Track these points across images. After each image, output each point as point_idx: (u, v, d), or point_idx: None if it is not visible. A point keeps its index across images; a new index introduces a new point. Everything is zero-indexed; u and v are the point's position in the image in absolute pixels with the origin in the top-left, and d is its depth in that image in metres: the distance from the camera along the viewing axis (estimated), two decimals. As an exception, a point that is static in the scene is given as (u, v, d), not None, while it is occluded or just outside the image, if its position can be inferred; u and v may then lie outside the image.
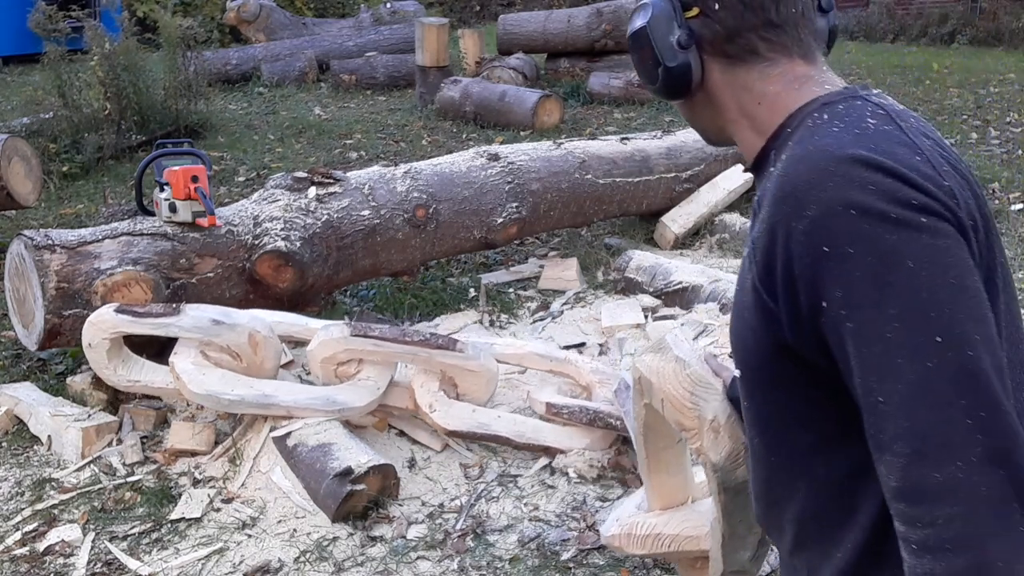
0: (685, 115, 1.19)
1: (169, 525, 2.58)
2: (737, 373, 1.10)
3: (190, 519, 2.59)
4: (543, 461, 2.82)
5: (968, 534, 0.82)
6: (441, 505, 2.66)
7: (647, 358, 1.48)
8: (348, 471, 2.54)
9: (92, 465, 2.88)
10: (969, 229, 0.90)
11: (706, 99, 1.11)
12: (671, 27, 1.07)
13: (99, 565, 2.44)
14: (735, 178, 4.97)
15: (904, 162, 0.90)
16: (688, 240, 4.84)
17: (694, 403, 1.37)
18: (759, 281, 0.96)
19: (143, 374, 2.94)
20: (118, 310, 2.87)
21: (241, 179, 6.39)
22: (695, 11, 1.06)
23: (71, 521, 2.62)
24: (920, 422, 0.84)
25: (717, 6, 1.04)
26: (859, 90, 1.03)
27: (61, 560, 2.46)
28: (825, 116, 0.98)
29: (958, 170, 0.96)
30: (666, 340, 1.45)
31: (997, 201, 5.60)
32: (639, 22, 1.09)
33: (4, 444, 3.04)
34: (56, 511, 2.67)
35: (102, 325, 2.86)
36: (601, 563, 2.37)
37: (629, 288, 4.15)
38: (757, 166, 1.09)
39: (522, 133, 7.51)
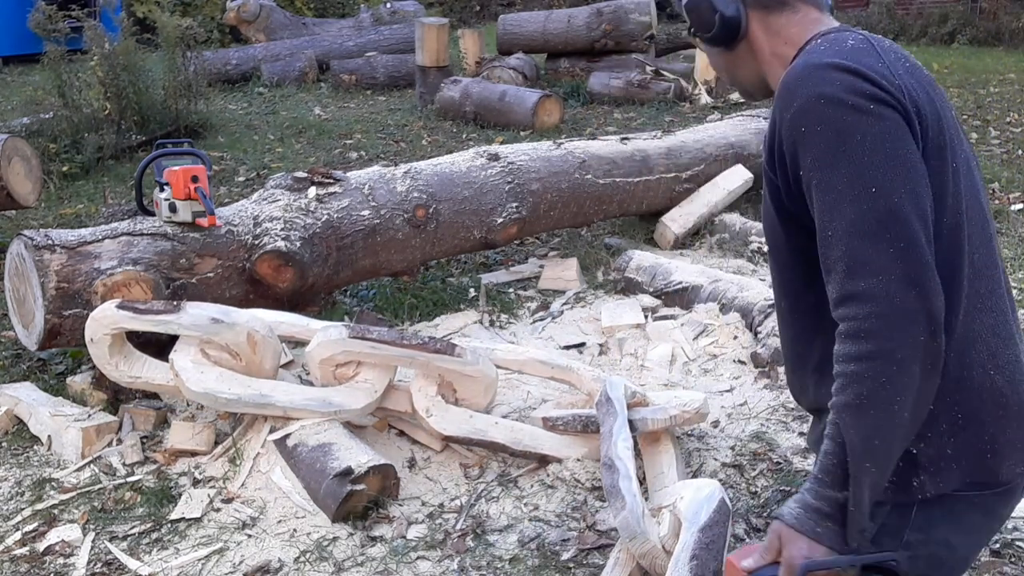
0: (727, 69, 1.42)
1: (169, 525, 2.58)
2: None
3: (190, 519, 2.59)
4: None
5: (880, 327, 1.09)
6: (441, 505, 2.66)
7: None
8: (348, 471, 2.54)
9: (92, 465, 2.88)
10: (914, 116, 1.16)
11: (747, 48, 1.36)
12: None
13: (99, 565, 2.44)
14: (735, 178, 4.97)
15: (866, 64, 1.18)
16: (688, 240, 4.84)
17: None
18: (766, 162, 1.27)
19: (144, 370, 2.94)
20: (120, 306, 2.87)
21: (241, 179, 6.39)
22: None
23: (71, 521, 2.62)
24: (854, 248, 1.12)
25: None
26: (851, 27, 1.29)
27: (61, 560, 2.46)
28: (818, 42, 1.26)
29: (918, 79, 1.22)
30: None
31: (997, 201, 5.60)
32: None
33: (4, 444, 3.04)
34: (56, 511, 2.67)
35: (104, 321, 2.87)
36: (601, 563, 2.37)
37: (629, 288, 4.15)
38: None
39: (522, 133, 7.51)
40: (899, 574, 1.16)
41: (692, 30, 1.40)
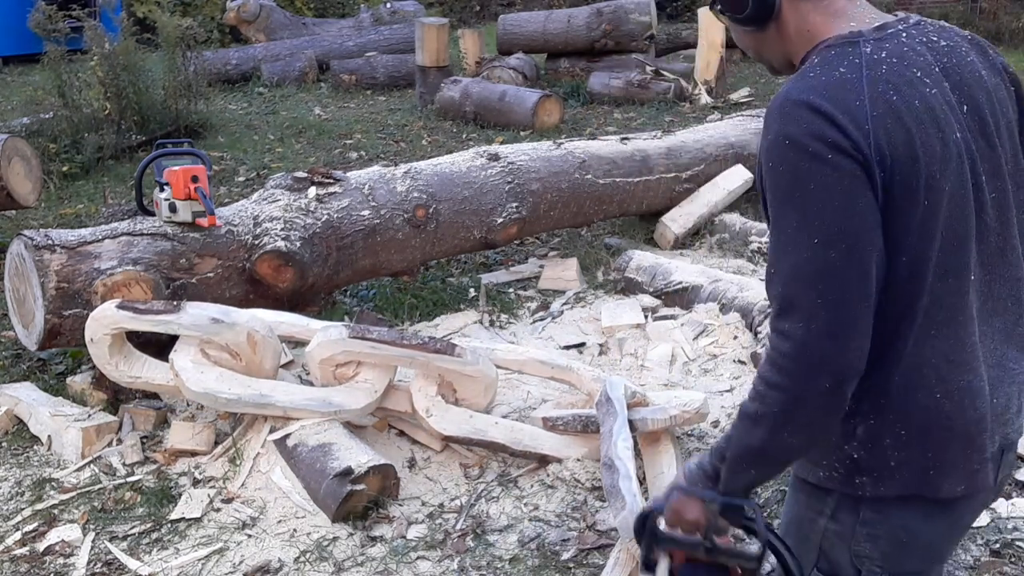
0: (754, 48, 1.43)
1: (169, 525, 2.58)
2: None
3: (190, 519, 2.59)
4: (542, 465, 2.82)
5: (792, 368, 1.18)
6: (441, 505, 2.66)
7: None
8: (348, 471, 2.54)
9: (92, 465, 2.88)
10: (875, 164, 1.17)
11: (776, 29, 1.36)
12: None
13: (99, 565, 2.44)
14: (735, 178, 4.97)
15: (840, 104, 1.18)
16: (688, 240, 4.84)
17: None
18: (758, 171, 1.31)
19: (144, 370, 2.94)
20: (120, 306, 2.88)
21: (241, 179, 6.39)
22: None
23: (71, 521, 2.62)
24: (789, 290, 1.19)
25: None
26: (866, 35, 1.26)
27: (61, 560, 2.46)
28: (815, 60, 1.27)
29: (918, 109, 1.21)
30: None
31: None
32: None
33: (4, 444, 3.04)
34: (56, 511, 2.67)
35: (104, 320, 2.87)
36: (601, 563, 2.37)
37: (629, 288, 4.15)
38: None
39: (522, 133, 7.51)
40: (757, 531, 1.28)
41: (721, 8, 1.39)
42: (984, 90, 1.29)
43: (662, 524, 1.35)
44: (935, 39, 1.30)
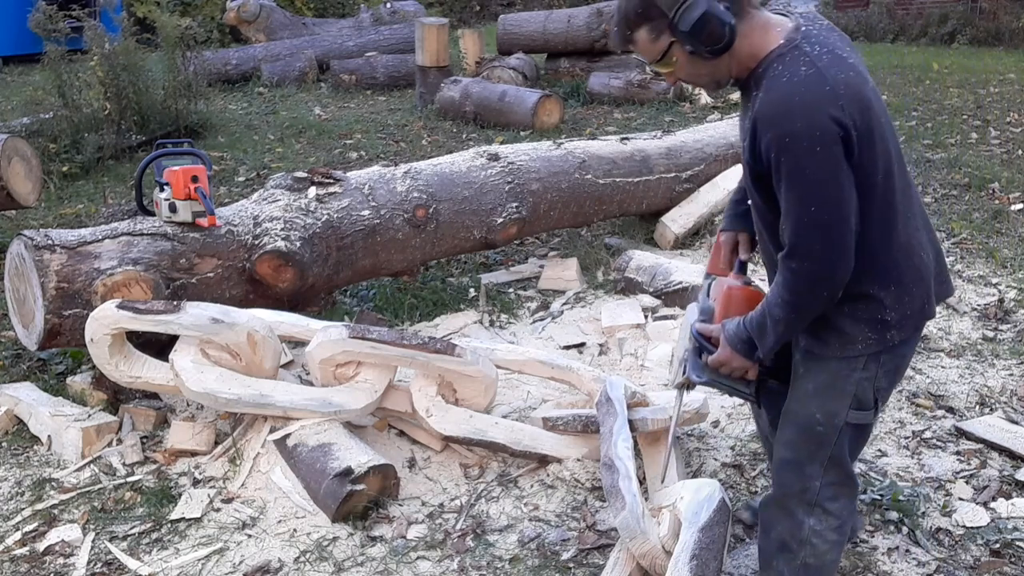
0: (709, 73, 1.80)
1: (169, 525, 2.58)
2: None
3: (190, 519, 2.59)
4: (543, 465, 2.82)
5: (804, 285, 1.73)
6: (441, 505, 2.66)
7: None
8: (348, 471, 2.54)
9: (92, 465, 2.88)
10: (852, 132, 1.64)
11: (730, 53, 1.75)
12: (717, 3, 1.70)
13: (99, 565, 2.44)
14: (735, 178, 4.97)
15: (821, 102, 1.63)
16: (688, 240, 4.84)
17: None
18: (750, 152, 1.75)
19: (144, 370, 2.94)
20: (120, 306, 2.88)
21: (241, 179, 6.39)
22: None
23: (71, 521, 2.62)
24: (799, 233, 1.70)
25: None
26: (797, 39, 1.71)
27: (61, 560, 2.46)
28: (780, 68, 1.69)
29: (853, 78, 1.68)
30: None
31: (997, 201, 5.60)
32: (699, 10, 1.68)
33: (4, 444, 3.04)
34: (56, 511, 2.67)
35: (104, 320, 2.87)
36: (601, 563, 2.37)
37: (629, 288, 4.15)
38: (744, 87, 1.81)
39: (522, 133, 7.51)
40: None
41: (692, 49, 1.72)
42: (869, 82, 1.74)
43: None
44: (827, 28, 1.77)
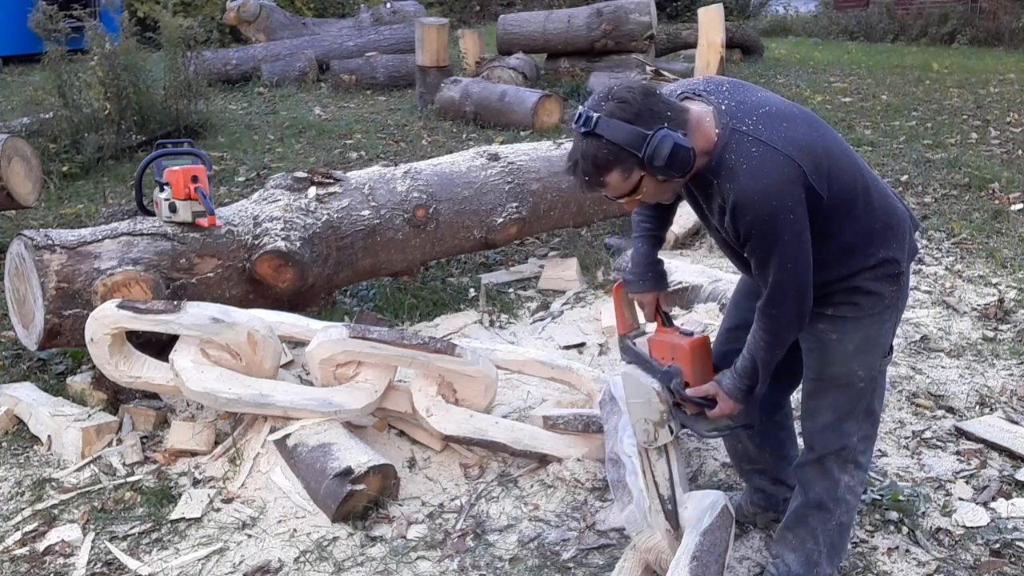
0: (671, 188, 1.95)
1: (169, 525, 2.58)
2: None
3: (190, 519, 2.59)
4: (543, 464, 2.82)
5: (779, 328, 1.95)
6: (441, 505, 2.66)
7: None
8: (348, 471, 2.54)
9: (92, 465, 2.88)
10: (811, 173, 1.84)
11: None
12: (674, 132, 1.82)
13: (99, 565, 2.44)
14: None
15: (784, 175, 1.82)
16: (688, 240, 4.84)
17: None
18: (728, 222, 1.90)
19: (144, 370, 2.94)
20: (120, 306, 2.88)
21: (241, 179, 6.39)
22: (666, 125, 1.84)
23: (71, 521, 2.62)
24: (779, 288, 1.90)
25: (671, 116, 1.86)
26: (727, 123, 1.87)
27: (61, 560, 2.46)
28: (732, 158, 1.84)
29: (797, 133, 1.87)
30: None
31: (997, 201, 5.60)
32: (668, 146, 1.79)
33: (4, 444, 3.04)
34: (56, 511, 2.67)
35: (104, 320, 2.87)
36: (601, 563, 2.37)
37: (629, 288, 4.14)
38: (698, 181, 1.94)
39: (522, 133, 7.51)
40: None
41: (664, 179, 1.84)
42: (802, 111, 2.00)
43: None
44: (731, 88, 1.95)
